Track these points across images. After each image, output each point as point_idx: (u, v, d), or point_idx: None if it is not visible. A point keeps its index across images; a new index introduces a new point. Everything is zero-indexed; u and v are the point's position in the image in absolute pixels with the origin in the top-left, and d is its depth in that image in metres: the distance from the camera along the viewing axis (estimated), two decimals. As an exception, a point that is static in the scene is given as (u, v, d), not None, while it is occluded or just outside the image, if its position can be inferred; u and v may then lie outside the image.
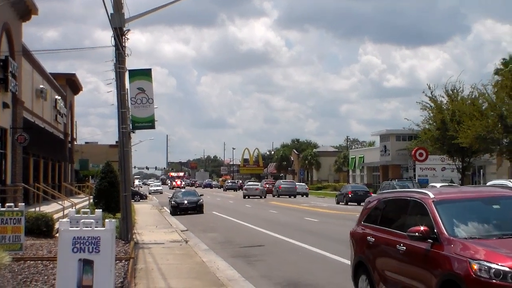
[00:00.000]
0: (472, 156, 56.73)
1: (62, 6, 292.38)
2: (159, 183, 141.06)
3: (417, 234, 10.26)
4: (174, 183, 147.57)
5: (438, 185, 25.60)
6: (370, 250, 12.18)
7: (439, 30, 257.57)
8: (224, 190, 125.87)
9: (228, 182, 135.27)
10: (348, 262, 19.36)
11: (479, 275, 9.04)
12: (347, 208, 54.50)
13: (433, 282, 9.81)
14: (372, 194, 72.70)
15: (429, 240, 10.18)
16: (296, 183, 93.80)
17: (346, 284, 15.67)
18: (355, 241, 13.09)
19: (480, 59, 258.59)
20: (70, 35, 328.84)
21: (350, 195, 62.90)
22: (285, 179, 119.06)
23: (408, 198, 11.65)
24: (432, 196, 10.99)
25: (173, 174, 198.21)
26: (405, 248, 10.76)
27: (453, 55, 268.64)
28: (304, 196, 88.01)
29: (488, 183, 26.60)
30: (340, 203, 63.95)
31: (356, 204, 59.24)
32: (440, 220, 10.33)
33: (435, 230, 10.19)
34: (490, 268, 9.01)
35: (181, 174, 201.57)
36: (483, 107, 51.27)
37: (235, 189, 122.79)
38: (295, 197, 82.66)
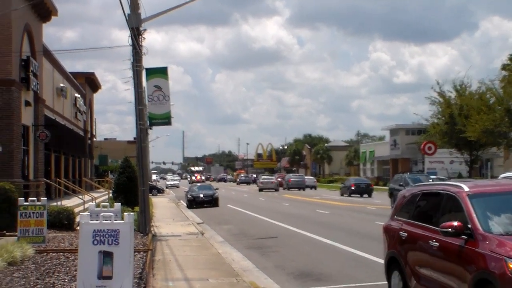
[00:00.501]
0: (480, 149, 56.52)
1: (80, 7, 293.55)
2: (177, 178, 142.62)
3: (450, 230, 9.42)
4: (194, 177, 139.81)
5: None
6: (403, 245, 11.39)
7: (447, 27, 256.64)
8: (237, 184, 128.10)
9: (241, 176, 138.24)
10: (359, 253, 19.52)
11: None
12: (358, 201, 54.55)
13: (466, 281, 9.01)
14: (373, 186, 73.09)
15: (463, 236, 9.34)
16: (305, 177, 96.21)
17: (357, 274, 15.76)
18: (388, 236, 12.32)
19: (487, 55, 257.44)
20: (88, 35, 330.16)
21: (353, 188, 65.35)
22: (298, 173, 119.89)
23: (442, 191, 10.74)
24: (466, 189, 10.08)
25: (192, 168, 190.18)
26: (438, 244, 9.96)
27: (461, 51, 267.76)
28: (313, 189, 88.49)
29: (501, 176, 25.19)
30: (344, 195, 65.75)
31: (359, 196, 63.26)
32: (474, 215, 9.47)
33: (469, 226, 9.35)
34: None
35: (201, 168, 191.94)
36: (491, 102, 51.07)
37: (248, 183, 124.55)
38: (304, 190, 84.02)
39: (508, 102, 48.53)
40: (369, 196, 64.40)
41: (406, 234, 11.27)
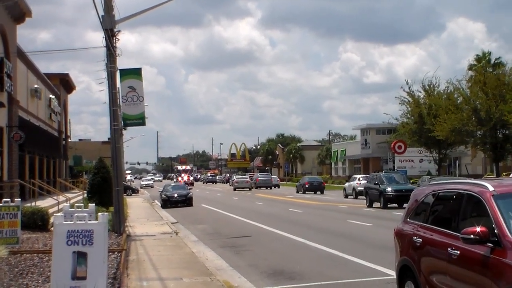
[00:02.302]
0: (448, 148, 57.02)
1: (54, 8, 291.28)
2: (150, 178, 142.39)
3: (472, 236, 7.91)
4: (180, 178, 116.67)
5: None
6: (417, 252, 9.86)
7: (415, 28, 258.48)
8: (204, 183, 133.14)
9: (208, 176, 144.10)
10: (331, 251, 19.52)
11: None
12: (330, 200, 54.70)
13: None
14: (325, 185, 75.36)
15: (488, 244, 7.86)
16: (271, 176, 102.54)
17: (329, 272, 15.73)
18: (400, 241, 10.71)
19: (454, 55, 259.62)
20: (62, 36, 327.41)
21: (307, 186, 71.02)
22: (269, 172, 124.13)
23: (462, 191, 9.19)
24: (491, 188, 8.51)
25: (179, 167, 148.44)
26: (458, 252, 8.47)
27: (429, 52, 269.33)
28: (276, 187, 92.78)
29: None
30: (299, 192, 71.40)
31: (313, 193, 69.19)
32: (502, 219, 7.96)
33: (496, 232, 7.86)
34: None
35: (189, 167, 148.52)
36: (458, 101, 51.56)
37: (213, 182, 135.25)
38: (271, 188, 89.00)
39: (474, 102, 49.03)
40: (322, 193, 68.61)
41: (421, 240, 9.80)
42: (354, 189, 56.35)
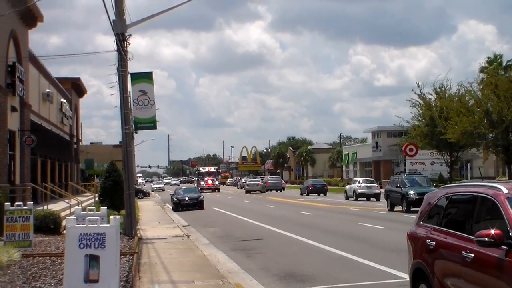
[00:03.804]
0: (460, 151, 56.78)
1: (66, 13, 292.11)
2: (161, 181, 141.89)
3: (487, 239, 7.86)
4: (203, 182, 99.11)
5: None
6: (430, 255, 9.76)
7: (426, 30, 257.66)
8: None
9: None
10: (343, 254, 19.47)
11: None
12: (341, 202, 54.67)
13: None
14: (328, 187, 76.09)
15: (503, 246, 7.78)
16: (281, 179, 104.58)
17: (341, 275, 15.70)
18: (414, 244, 10.61)
19: (465, 58, 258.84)
20: (73, 41, 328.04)
21: (310, 188, 74.27)
22: (279, 176, 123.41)
23: (476, 193, 9.13)
24: (505, 191, 8.49)
25: (201, 169, 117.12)
26: (472, 255, 8.39)
27: (440, 54, 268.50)
28: (281, 190, 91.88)
29: None
30: (303, 194, 74.18)
31: (316, 195, 72.12)
32: None
33: (511, 234, 7.83)
34: None
35: (213, 169, 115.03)
36: (470, 104, 51.30)
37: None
38: (281, 191, 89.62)
39: (486, 104, 48.83)
40: (325, 195, 72.03)
41: (434, 242, 9.72)
42: (354, 191, 58.48)
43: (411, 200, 37.86)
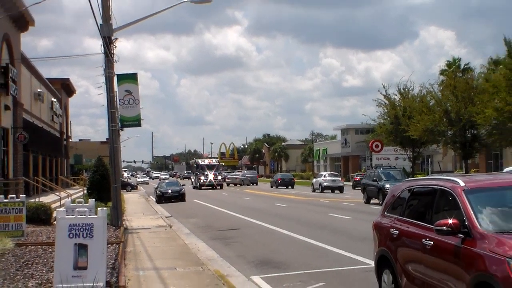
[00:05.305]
0: (421, 147, 57.02)
1: (55, 17, 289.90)
2: (145, 175, 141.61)
3: (445, 228, 7.99)
4: (203, 178, 76.38)
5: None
6: (394, 243, 9.87)
7: (391, 35, 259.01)
8: (181, 179, 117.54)
9: (184, 173, 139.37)
10: (314, 242, 19.54)
11: None
12: (313, 195, 54.87)
13: (463, 284, 7.66)
14: (295, 180, 76.80)
15: (459, 234, 7.95)
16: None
17: (313, 262, 15.76)
18: (379, 233, 10.68)
19: (426, 61, 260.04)
20: (63, 43, 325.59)
21: (279, 181, 75.50)
22: (255, 170, 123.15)
23: (435, 186, 9.22)
24: (462, 184, 8.62)
25: (200, 161, 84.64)
26: (432, 243, 8.53)
27: (403, 57, 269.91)
28: (255, 184, 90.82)
29: (506, 169, 21.92)
30: (273, 186, 75.36)
31: (285, 187, 73.19)
32: (472, 212, 8.04)
33: (467, 224, 7.95)
34: None
35: (215, 161, 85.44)
36: (431, 104, 51.58)
37: (189, 178, 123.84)
38: (257, 184, 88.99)
39: (445, 104, 49.19)
40: (292, 187, 73.26)
41: (398, 231, 9.81)
42: (320, 184, 60.28)
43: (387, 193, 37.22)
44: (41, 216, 24.04)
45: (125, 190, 69.45)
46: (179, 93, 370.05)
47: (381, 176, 39.61)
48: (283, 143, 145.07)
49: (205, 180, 75.08)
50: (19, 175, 34.27)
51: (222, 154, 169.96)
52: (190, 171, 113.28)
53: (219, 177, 77.15)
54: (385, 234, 10.32)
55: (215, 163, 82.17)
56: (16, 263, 14.09)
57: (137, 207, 40.18)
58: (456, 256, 7.93)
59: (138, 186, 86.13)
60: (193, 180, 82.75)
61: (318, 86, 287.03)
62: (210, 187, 73.23)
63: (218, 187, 73.76)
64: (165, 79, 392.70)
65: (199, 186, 74.77)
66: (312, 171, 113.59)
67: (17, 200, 19.34)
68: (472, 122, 45.72)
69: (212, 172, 76.78)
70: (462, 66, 64.45)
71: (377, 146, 58.02)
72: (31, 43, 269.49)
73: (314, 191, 61.02)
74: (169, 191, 48.93)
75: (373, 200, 39.16)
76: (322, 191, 58.46)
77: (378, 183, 38.67)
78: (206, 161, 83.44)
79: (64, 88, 61.86)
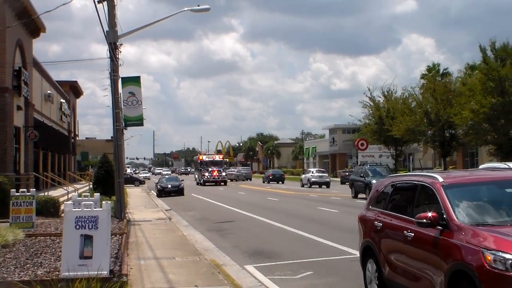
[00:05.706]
0: (403, 145, 57.06)
1: (65, 24, 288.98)
2: (147, 171, 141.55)
3: (425, 220, 8.05)
4: (206, 174, 71.10)
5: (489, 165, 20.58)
6: (377, 235, 9.89)
7: (375, 42, 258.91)
8: (179, 175, 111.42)
9: (181, 169, 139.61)
10: (304, 234, 19.53)
11: (493, 267, 6.91)
12: (302, 190, 54.90)
13: (441, 273, 7.72)
14: (285, 176, 76.81)
15: (438, 227, 8.00)
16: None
17: (302, 252, 15.75)
18: (363, 226, 10.68)
19: (408, 66, 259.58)
20: (71, 49, 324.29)
21: (270, 177, 76.25)
22: (249, 167, 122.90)
23: (416, 182, 9.28)
24: (441, 180, 8.68)
25: (204, 157, 76.77)
26: (412, 234, 8.59)
27: (387, 63, 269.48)
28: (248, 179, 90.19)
29: (481, 166, 21.88)
30: (265, 182, 75.56)
31: (276, 183, 73.08)
32: (449, 206, 8.12)
33: (445, 216, 8.00)
34: (506, 259, 6.86)
35: (218, 157, 77.14)
36: (412, 105, 51.65)
37: (186, 174, 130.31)
38: (251, 180, 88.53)
39: (426, 106, 49.28)
40: (282, 183, 73.47)
41: (381, 224, 9.83)
42: (308, 180, 60.69)
43: None
44: (49, 209, 23.97)
45: (133, 185, 69.32)
46: (179, 95, 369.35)
47: (368, 172, 39.45)
48: (275, 142, 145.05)
49: (209, 177, 70.59)
50: (30, 171, 34.16)
51: (218, 152, 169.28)
52: (187, 168, 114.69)
53: (223, 174, 72.26)
54: (369, 226, 10.33)
55: (219, 159, 75.73)
56: (26, 253, 14.04)
57: (139, 200, 40.12)
58: (435, 247, 7.98)
59: (145, 181, 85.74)
60: (196, 176, 78.29)
61: (308, 89, 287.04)
62: (214, 184, 69.41)
63: (222, 184, 69.63)
64: (166, 81, 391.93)
65: (203, 183, 70.22)
66: (302, 168, 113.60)
67: (27, 194, 19.29)
68: (450, 123, 45.80)
69: (216, 169, 71.59)
70: (441, 71, 64.45)
71: (362, 144, 58.02)
72: (42, 48, 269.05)
73: (303, 186, 61.27)
74: (169, 186, 49.00)
75: (361, 195, 38.96)
76: (310, 186, 58.88)
77: (365, 179, 38.47)
78: (211, 158, 76.26)
79: (72, 90, 61.70)
